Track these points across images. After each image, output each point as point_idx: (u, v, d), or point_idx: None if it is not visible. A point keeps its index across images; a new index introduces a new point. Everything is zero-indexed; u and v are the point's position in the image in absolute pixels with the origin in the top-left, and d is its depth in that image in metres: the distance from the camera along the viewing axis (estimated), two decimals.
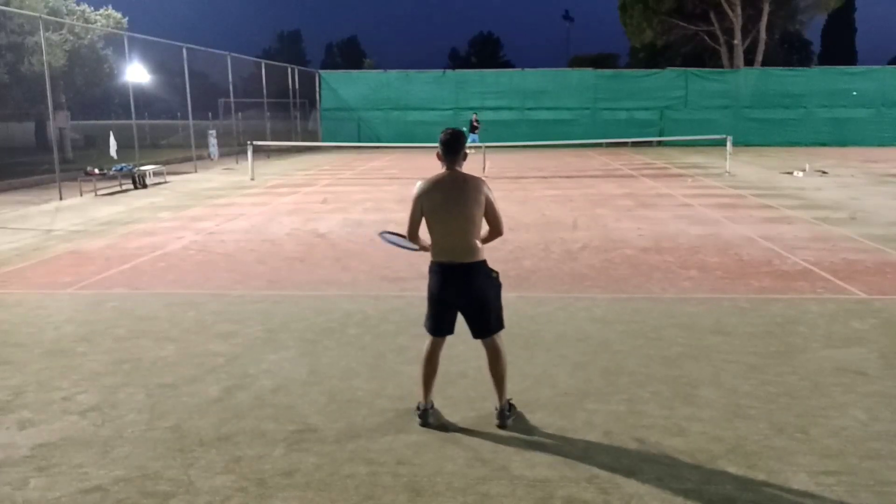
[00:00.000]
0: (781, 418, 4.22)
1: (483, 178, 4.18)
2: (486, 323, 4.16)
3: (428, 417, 4.20)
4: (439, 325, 4.21)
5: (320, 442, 3.98)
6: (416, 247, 4.35)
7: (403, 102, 32.76)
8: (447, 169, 4.16)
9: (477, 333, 4.20)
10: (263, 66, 29.27)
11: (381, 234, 4.68)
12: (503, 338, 4.23)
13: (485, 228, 4.18)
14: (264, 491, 3.49)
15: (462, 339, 5.54)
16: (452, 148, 4.15)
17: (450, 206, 4.06)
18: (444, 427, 4.16)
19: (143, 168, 17.85)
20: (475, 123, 27.06)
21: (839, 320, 6.08)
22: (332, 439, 4.01)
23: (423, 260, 6.84)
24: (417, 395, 4.27)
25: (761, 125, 31.13)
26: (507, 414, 4.21)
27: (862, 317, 6.17)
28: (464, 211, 4.04)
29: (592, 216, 11.77)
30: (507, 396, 4.25)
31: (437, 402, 4.46)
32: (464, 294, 4.10)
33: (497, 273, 4.21)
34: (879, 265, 8.13)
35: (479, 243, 4.11)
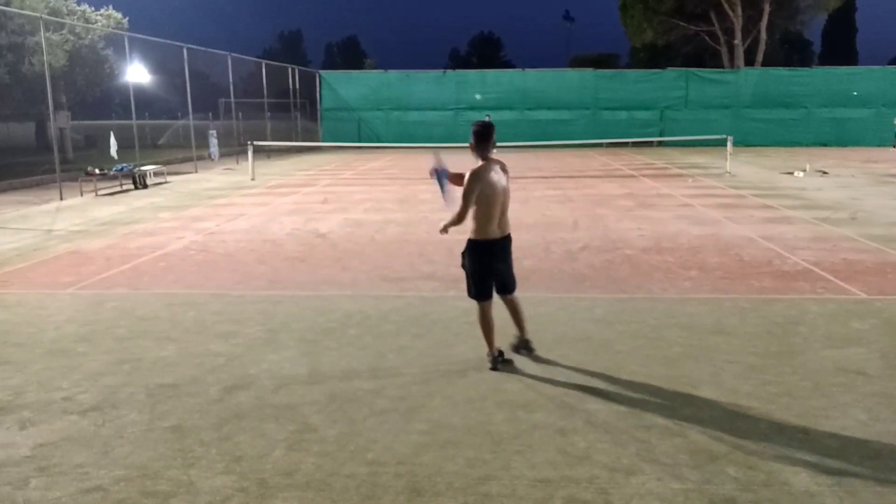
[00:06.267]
0: (782, 418, 4.22)
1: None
2: (514, 279, 5.19)
3: (497, 362, 5.00)
4: (490, 291, 5.00)
5: (320, 442, 3.98)
6: (445, 202, 5.07)
7: (404, 103, 32.77)
8: (484, 158, 4.81)
9: (507, 289, 5.12)
10: (264, 66, 29.28)
11: (436, 170, 5.22)
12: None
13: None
14: (265, 491, 3.49)
15: (461, 340, 5.56)
16: (487, 138, 4.80)
17: (503, 188, 4.83)
18: (510, 364, 5.01)
19: (143, 168, 17.85)
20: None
21: (839, 320, 6.08)
22: (332, 439, 4.01)
23: (423, 260, 6.96)
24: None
25: (762, 125, 31.13)
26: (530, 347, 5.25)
27: (862, 317, 6.17)
28: (509, 191, 4.94)
29: (593, 216, 11.77)
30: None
31: (438, 401, 4.48)
32: (504, 260, 5.03)
33: None
34: (880, 265, 8.13)
35: None
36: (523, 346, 5.21)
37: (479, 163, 4.83)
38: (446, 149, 25.22)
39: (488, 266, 4.91)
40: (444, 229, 4.94)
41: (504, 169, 4.91)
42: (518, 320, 5.19)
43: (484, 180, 4.73)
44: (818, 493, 3.43)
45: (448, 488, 3.49)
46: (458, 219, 4.82)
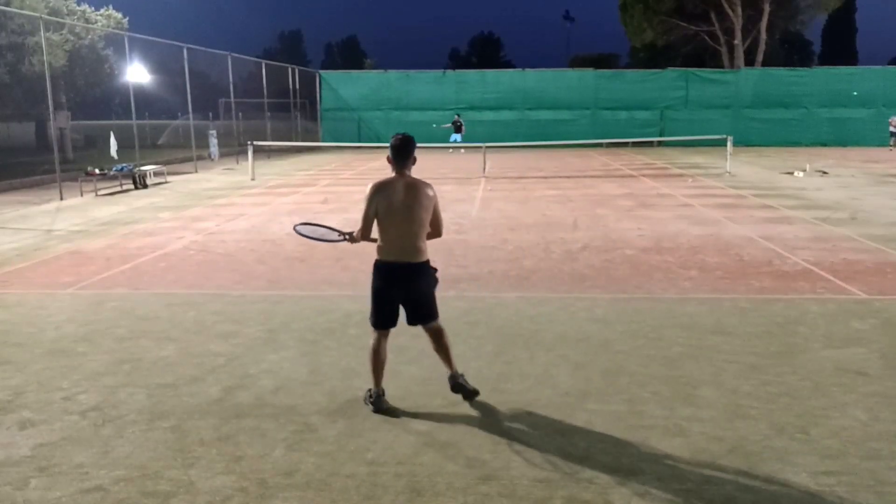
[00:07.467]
0: (782, 418, 4.21)
1: (430, 183, 4.41)
2: (428, 311, 4.45)
3: (381, 403, 4.38)
4: (385, 320, 4.43)
5: (320, 442, 3.99)
6: (338, 238, 4.56)
7: (404, 102, 32.76)
8: (397, 173, 4.36)
9: (418, 320, 4.46)
10: (264, 66, 29.28)
11: (296, 227, 4.83)
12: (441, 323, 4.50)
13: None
14: (265, 491, 3.49)
15: (461, 340, 5.55)
16: (403, 153, 4.37)
17: (403, 208, 4.28)
18: (394, 412, 4.33)
19: (143, 168, 17.84)
20: (458, 123, 27.27)
21: (839, 320, 6.08)
22: (332, 439, 4.01)
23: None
24: (369, 384, 4.45)
25: (762, 125, 31.13)
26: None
27: (862, 317, 6.17)
28: (416, 214, 4.29)
29: (593, 216, 11.77)
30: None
31: (438, 401, 4.47)
32: (409, 290, 4.37)
33: (436, 269, 4.50)
34: (880, 265, 8.13)
35: (425, 245, 4.38)
36: (455, 385, 4.47)
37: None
38: (446, 148, 25.33)
39: (383, 291, 4.38)
40: (351, 237, 4.50)
41: (415, 188, 4.30)
42: (442, 355, 4.52)
43: (380, 195, 4.28)
44: (818, 493, 3.43)
45: (448, 488, 3.49)
46: (358, 234, 4.40)
